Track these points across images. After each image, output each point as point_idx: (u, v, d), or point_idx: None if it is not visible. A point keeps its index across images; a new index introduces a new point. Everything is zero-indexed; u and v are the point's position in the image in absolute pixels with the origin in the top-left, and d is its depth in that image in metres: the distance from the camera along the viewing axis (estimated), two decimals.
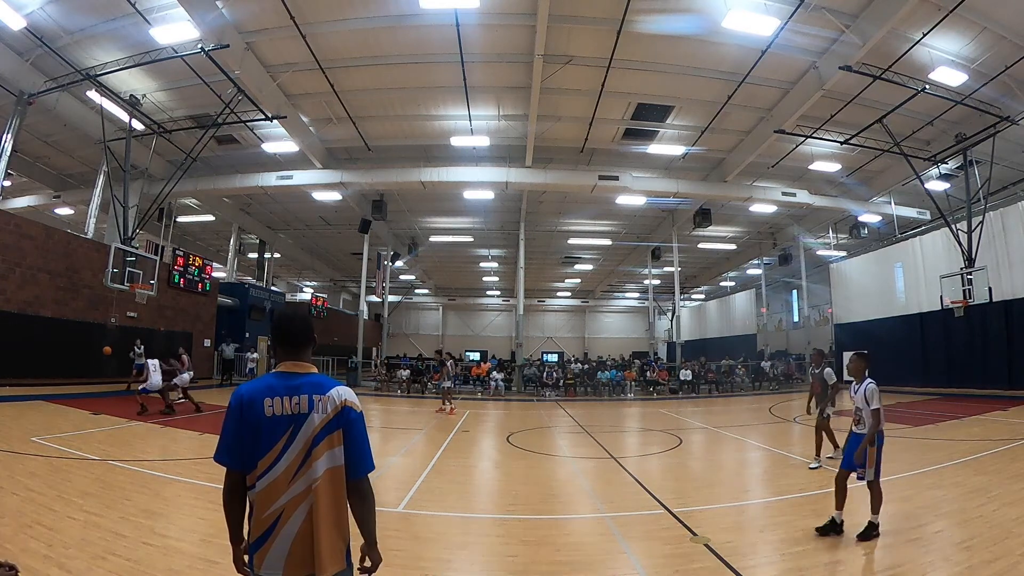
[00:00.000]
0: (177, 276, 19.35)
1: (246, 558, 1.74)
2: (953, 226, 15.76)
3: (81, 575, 3.20)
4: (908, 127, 15.42)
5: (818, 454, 6.97)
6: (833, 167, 18.85)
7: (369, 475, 1.80)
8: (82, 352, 14.96)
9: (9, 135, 13.52)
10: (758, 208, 21.59)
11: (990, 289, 14.74)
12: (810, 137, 15.57)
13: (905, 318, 19.03)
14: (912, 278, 19.24)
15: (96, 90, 13.37)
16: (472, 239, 28.06)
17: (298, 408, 1.73)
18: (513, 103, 15.38)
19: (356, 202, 21.28)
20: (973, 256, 15.23)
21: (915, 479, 5.94)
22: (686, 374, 20.95)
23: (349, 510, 1.76)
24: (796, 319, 33.83)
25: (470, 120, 16.14)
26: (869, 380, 4.32)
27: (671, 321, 33.40)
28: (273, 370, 1.83)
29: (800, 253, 25.51)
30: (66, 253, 14.97)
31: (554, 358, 36.61)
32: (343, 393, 1.78)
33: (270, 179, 18.77)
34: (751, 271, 33.87)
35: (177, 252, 20.10)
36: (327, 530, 1.66)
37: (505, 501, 5.58)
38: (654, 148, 17.86)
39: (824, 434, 7.04)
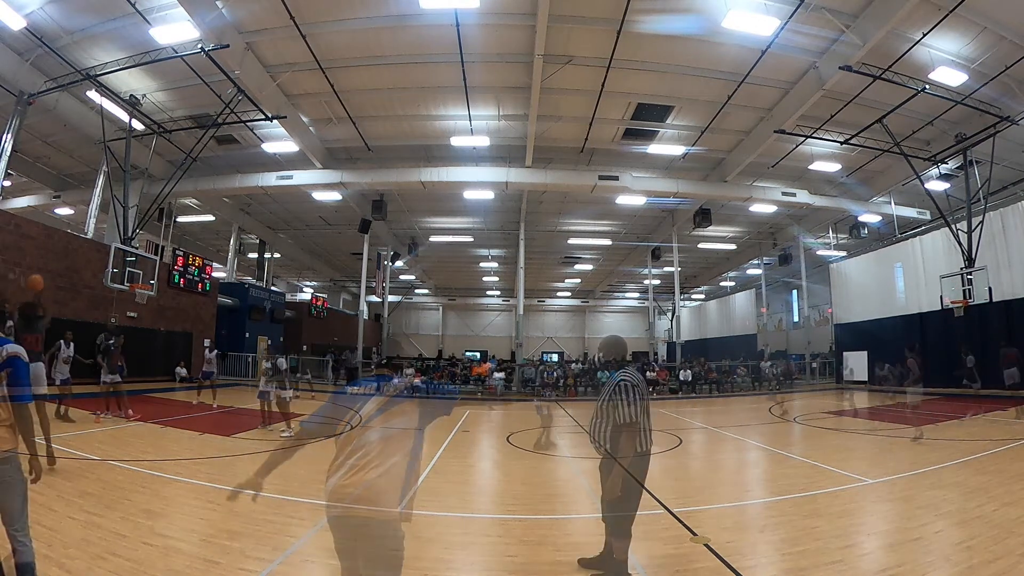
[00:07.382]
0: (177, 276, 19.34)
1: None
2: (953, 226, 15.75)
3: (81, 575, 3.20)
4: (908, 127, 15.41)
5: None
6: (833, 167, 18.83)
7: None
8: (82, 352, 14.91)
9: (9, 135, 13.50)
10: (758, 208, 21.58)
11: (990, 289, 14.72)
12: (810, 137, 15.56)
13: (905, 318, 19.00)
14: (912, 278, 19.21)
15: (96, 90, 13.37)
16: (472, 239, 28.02)
17: None
18: (513, 103, 15.37)
19: (356, 202, 21.27)
20: (973, 256, 15.22)
21: (915, 479, 5.94)
22: (686, 374, 20.94)
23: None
24: (796, 319, 33.83)
25: (470, 120, 16.12)
26: None
27: (671, 321, 33.37)
28: None
29: (800, 253, 25.48)
30: (66, 253, 14.96)
31: (554, 358, 36.62)
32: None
33: (270, 179, 18.76)
34: (751, 271, 33.83)
35: (177, 252, 20.10)
36: None
37: (505, 501, 5.57)
38: (654, 148, 17.84)
39: None
